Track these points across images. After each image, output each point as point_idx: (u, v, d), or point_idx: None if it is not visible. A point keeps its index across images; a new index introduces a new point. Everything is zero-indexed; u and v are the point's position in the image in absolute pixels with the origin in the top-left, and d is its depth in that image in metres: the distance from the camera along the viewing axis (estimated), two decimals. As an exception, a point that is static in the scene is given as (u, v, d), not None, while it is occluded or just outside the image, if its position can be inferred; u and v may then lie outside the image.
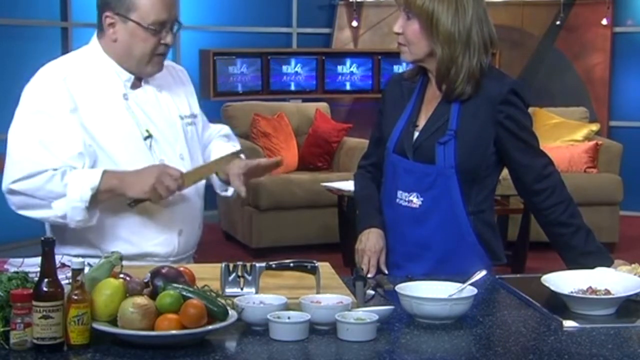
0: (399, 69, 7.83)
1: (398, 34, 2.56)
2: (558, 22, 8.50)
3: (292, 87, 8.23)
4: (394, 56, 7.82)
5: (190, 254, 2.71)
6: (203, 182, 2.70)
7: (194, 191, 2.65)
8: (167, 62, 2.72)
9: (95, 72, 2.60)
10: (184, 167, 2.60)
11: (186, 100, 2.73)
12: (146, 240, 2.57)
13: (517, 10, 8.51)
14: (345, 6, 8.47)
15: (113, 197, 2.49)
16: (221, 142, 2.85)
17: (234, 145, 2.84)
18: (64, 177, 2.46)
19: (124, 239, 2.56)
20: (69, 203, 2.46)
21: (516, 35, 8.50)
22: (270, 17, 8.29)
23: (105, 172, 2.47)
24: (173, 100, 2.68)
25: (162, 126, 2.62)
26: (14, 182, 2.49)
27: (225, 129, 2.92)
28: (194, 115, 2.74)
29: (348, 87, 8.38)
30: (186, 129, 2.68)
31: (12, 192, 2.51)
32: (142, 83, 2.63)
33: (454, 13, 2.48)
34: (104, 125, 2.54)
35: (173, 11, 2.53)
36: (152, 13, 2.49)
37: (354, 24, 8.46)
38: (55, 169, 2.47)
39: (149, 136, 2.58)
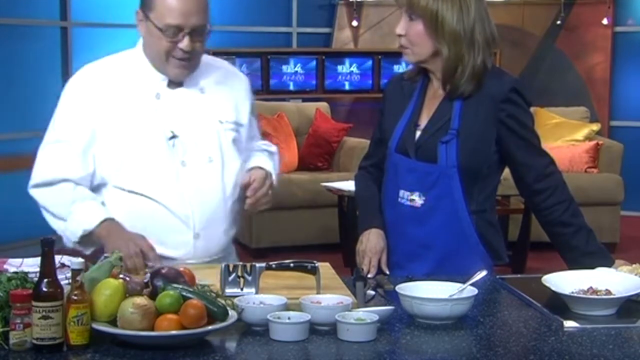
0: (399, 68, 7.83)
1: (401, 35, 2.56)
2: (559, 22, 8.51)
3: (292, 87, 8.23)
4: (394, 56, 7.88)
5: (216, 259, 2.59)
6: (237, 185, 2.64)
7: (219, 194, 2.60)
8: (230, 68, 2.76)
9: (132, 71, 2.62)
10: (212, 169, 2.59)
11: (233, 107, 2.69)
12: (160, 243, 2.52)
13: (517, 9, 8.51)
14: (345, 6, 8.47)
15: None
16: (263, 156, 2.78)
17: (270, 163, 2.76)
18: (72, 203, 2.55)
19: (149, 236, 2.53)
20: (65, 230, 2.57)
21: (517, 34, 8.50)
22: (270, 16, 8.29)
23: (104, 221, 2.51)
24: (215, 104, 2.65)
25: (193, 128, 2.60)
26: (31, 187, 2.62)
27: (272, 147, 2.84)
28: (238, 124, 2.68)
29: (348, 87, 8.39)
30: (224, 134, 2.64)
31: (31, 196, 2.63)
32: (184, 84, 2.63)
33: (458, 11, 2.48)
34: (129, 124, 2.56)
35: (192, 18, 2.49)
36: (166, 16, 2.49)
37: (354, 23, 8.46)
38: (67, 181, 2.56)
39: (173, 136, 2.57)
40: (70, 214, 2.55)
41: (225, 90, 2.70)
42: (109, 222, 2.52)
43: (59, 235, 2.59)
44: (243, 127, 2.70)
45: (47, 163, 2.60)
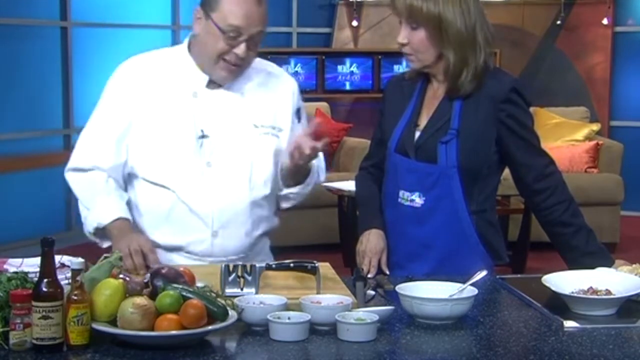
0: (399, 68, 7.83)
1: (403, 44, 2.55)
2: (559, 22, 8.51)
3: (292, 87, 8.22)
4: (394, 56, 7.88)
5: (235, 259, 2.57)
6: (267, 190, 2.64)
7: (242, 197, 2.60)
8: (275, 71, 2.74)
9: (174, 68, 2.64)
10: (238, 172, 2.59)
11: (272, 111, 2.67)
12: (181, 235, 2.59)
13: (517, 9, 8.51)
14: (345, 6, 8.48)
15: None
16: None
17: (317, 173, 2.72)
18: (98, 195, 2.59)
19: (165, 228, 2.60)
20: (85, 218, 2.63)
21: (517, 35, 8.50)
22: (270, 16, 8.26)
23: (118, 219, 2.53)
24: (252, 108, 2.64)
25: (224, 130, 2.60)
26: (66, 170, 2.68)
27: (319, 156, 2.74)
28: (276, 128, 2.66)
29: (348, 87, 8.38)
30: (259, 138, 2.63)
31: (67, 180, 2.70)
32: (223, 85, 2.63)
33: (460, 15, 2.48)
34: (163, 119, 2.59)
35: (253, 26, 2.51)
36: (229, 18, 2.49)
37: (354, 23, 8.46)
38: (99, 170, 2.61)
39: (203, 136, 2.58)
40: (93, 205, 2.59)
41: (266, 93, 2.68)
42: (121, 221, 2.54)
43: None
44: (283, 132, 2.67)
45: (82, 149, 2.66)
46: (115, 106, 2.63)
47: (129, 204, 2.62)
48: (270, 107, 2.67)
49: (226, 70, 2.57)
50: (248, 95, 2.65)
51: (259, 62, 2.70)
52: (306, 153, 2.46)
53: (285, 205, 2.73)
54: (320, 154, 2.68)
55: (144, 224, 2.63)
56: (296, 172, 2.60)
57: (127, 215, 2.57)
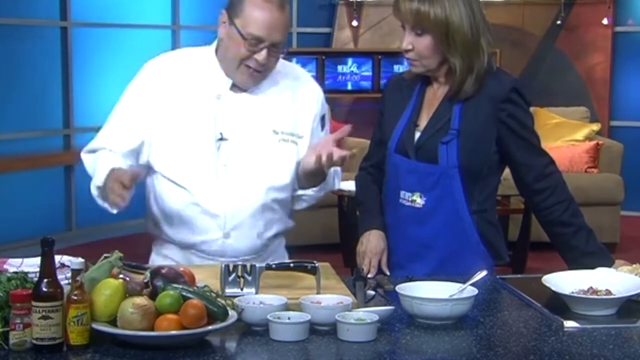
0: (399, 68, 7.83)
1: (407, 50, 2.54)
2: (559, 22, 8.51)
3: (292, 87, 8.22)
4: (394, 56, 7.88)
5: (248, 259, 2.58)
6: (282, 195, 2.65)
7: (256, 200, 2.61)
8: (302, 77, 2.74)
9: (201, 68, 2.65)
10: (253, 176, 2.59)
11: (293, 117, 2.66)
12: (193, 234, 2.62)
13: (517, 9, 8.51)
14: (346, 6, 8.47)
15: None
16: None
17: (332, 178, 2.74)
18: (99, 163, 2.59)
19: (178, 226, 2.63)
20: (91, 187, 2.61)
21: (517, 35, 8.50)
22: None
23: (110, 172, 2.47)
24: (273, 114, 2.64)
25: (243, 134, 2.61)
26: (83, 151, 2.70)
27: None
28: (296, 135, 2.66)
29: (348, 87, 8.38)
30: (278, 144, 2.63)
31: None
32: (247, 89, 2.63)
33: (466, 19, 2.47)
34: (185, 118, 2.60)
35: (275, 34, 2.50)
36: (251, 25, 2.50)
37: (354, 23, 8.46)
38: (106, 149, 2.62)
39: (222, 138, 2.59)
40: (95, 173, 2.59)
41: (289, 99, 2.67)
42: (113, 170, 2.50)
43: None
44: (303, 139, 2.66)
45: (99, 135, 2.69)
46: (137, 99, 2.65)
47: (149, 198, 2.67)
48: (292, 114, 2.67)
49: (247, 75, 2.57)
50: (271, 100, 2.65)
51: (286, 66, 2.72)
52: (333, 159, 2.46)
53: (298, 206, 2.75)
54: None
55: (160, 219, 2.66)
56: (314, 175, 2.60)
57: (119, 165, 2.52)
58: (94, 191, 2.57)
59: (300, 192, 2.69)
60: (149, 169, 2.65)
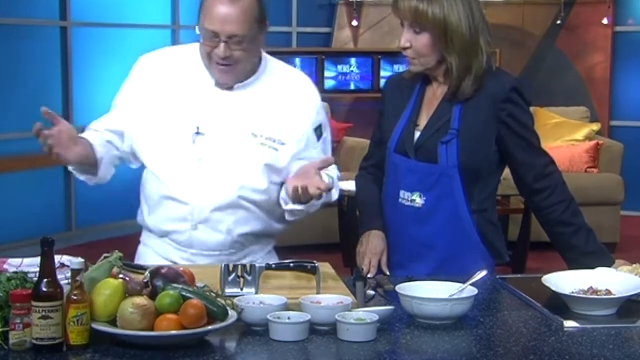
0: (399, 68, 7.82)
1: (406, 48, 2.54)
2: (559, 22, 8.51)
3: (292, 87, 8.21)
4: (394, 56, 7.88)
5: (217, 255, 2.62)
6: (256, 197, 2.63)
7: (228, 197, 2.61)
8: (301, 85, 2.71)
9: (189, 65, 2.69)
10: (226, 173, 2.60)
11: (279, 125, 2.64)
12: (166, 222, 2.67)
13: (517, 9, 8.51)
14: (346, 5, 8.47)
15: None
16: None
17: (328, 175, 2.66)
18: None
19: (156, 214, 2.70)
20: None
21: (517, 34, 8.50)
22: (270, 16, 8.27)
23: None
24: (257, 117, 2.63)
25: (219, 131, 2.62)
26: None
27: (334, 175, 2.71)
28: (278, 141, 2.63)
29: (348, 87, 8.38)
30: (254, 147, 2.62)
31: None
32: (234, 89, 2.64)
33: (465, 19, 2.47)
34: (168, 110, 2.65)
35: (228, 27, 2.52)
36: (207, 20, 2.55)
37: (354, 23, 8.46)
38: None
39: (198, 133, 2.63)
40: None
41: (277, 105, 2.66)
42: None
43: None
44: (286, 147, 2.63)
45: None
46: (127, 89, 2.73)
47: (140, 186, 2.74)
48: (278, 120, 2.65)
49: (217, 71, 2.60)
50: (256, 103, 2.65)
51: (287, 72, 2.73)
52: (310, 193, 2.44)
53: (290, 218, 2.70)
54: (337, 172, 2.70)
55: (143, 206, 2.74)
56: (297, 198, 2.54)
57: (97, 141, 2.65)
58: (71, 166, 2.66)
59: (290, 206, 2.62)
60: (137, 162, 2.74)
